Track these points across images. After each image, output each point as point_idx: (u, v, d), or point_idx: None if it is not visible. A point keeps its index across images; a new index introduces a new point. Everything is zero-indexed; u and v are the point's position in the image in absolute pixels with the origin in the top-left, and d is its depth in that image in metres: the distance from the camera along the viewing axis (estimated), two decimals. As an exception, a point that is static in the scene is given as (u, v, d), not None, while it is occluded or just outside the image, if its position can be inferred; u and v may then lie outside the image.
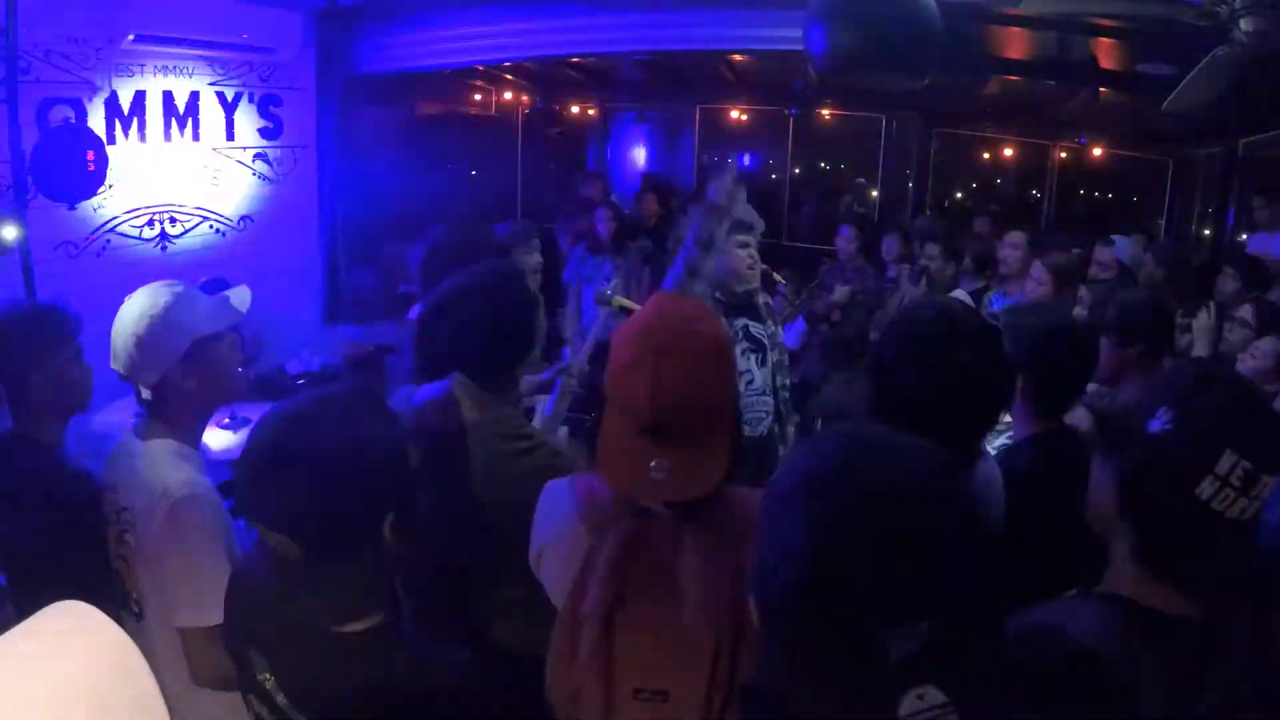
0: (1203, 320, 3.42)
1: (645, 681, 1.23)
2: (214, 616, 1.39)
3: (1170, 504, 0.96)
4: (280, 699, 1.21)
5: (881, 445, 0.82)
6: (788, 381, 3.16)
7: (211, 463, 1.85)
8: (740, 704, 1.13)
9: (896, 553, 0.71)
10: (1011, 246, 4.32)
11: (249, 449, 1.13)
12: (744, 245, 2.90)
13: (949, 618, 0.71)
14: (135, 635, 1.74)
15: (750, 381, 2.97)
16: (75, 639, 0.72)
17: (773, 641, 0.81)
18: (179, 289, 1.69)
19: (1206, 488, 0.93)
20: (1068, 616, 1.01)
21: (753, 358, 2.99)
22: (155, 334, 1.62)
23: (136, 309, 1.64)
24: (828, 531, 0.73)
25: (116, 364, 1.66)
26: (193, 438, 1.72)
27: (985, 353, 1.44)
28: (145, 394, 1.66)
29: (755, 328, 3.02)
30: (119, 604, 1.73)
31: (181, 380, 1.64)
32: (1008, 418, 2.39)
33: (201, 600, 1.49)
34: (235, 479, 1.14)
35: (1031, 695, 0.93)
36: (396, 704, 1.12)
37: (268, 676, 1.21)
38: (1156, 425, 0.98)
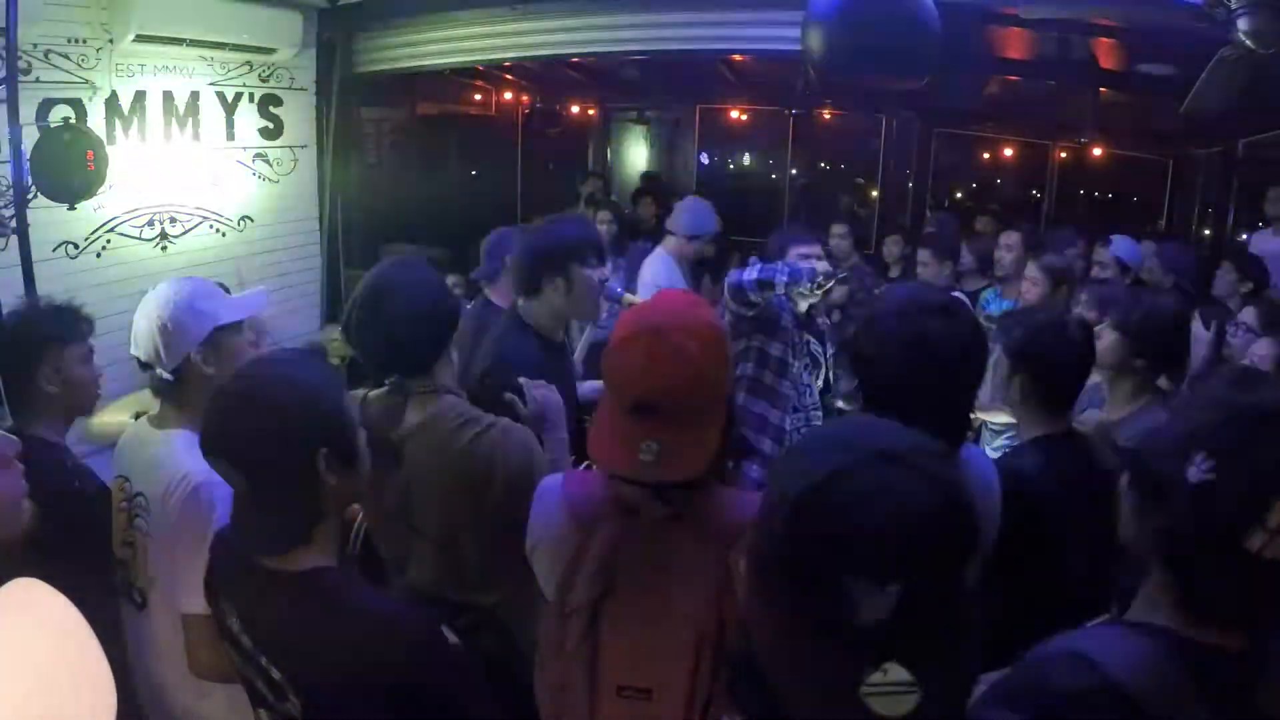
0: (1199, 332, 3.41)
1: (629, 678, 1.24)
2: None
3: (1216, 556, 0.91)
4: (245, 641, 1.29)
5: (880, 422, 0.87)
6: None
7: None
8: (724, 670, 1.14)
9: (874, 508, 0.73)
10: (1007, 248, 4.34)
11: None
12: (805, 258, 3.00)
13: (920, 583, 0.72)
14: (135, 625, 1.76)
15: (809, 393, 3.12)
16: (22, 613, 0.73)
17: (753, 599, 0.83)
18: (200, 281, 1.82)
19: (1255, 540, 0.88)
20: (1101, 643, 0.97)
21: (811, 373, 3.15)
22: (179, 319, 1.71)
23: (161, 296, 1.74)
24: (814, 482, 0.76)
25: (137, 350, 1.74)
26: None
27: (950, 319, 1.44)
28: (168, 375, 1.72)
29: (815, 345, 3.18)
30: (119, 593, 1.76)
31: (202, 364, 1.72)
32: (1008, 418, 2.38)
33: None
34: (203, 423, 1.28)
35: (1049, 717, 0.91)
36: (346, 644, 1.19)
37: (235, 620, 1.30)
38: (1196, 475, 0.92)
